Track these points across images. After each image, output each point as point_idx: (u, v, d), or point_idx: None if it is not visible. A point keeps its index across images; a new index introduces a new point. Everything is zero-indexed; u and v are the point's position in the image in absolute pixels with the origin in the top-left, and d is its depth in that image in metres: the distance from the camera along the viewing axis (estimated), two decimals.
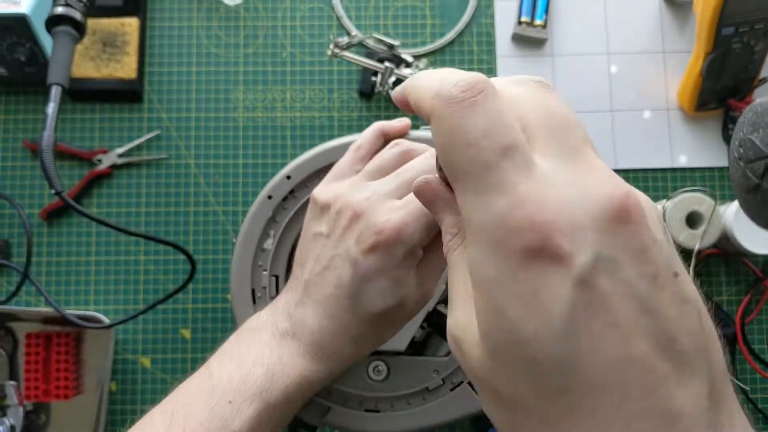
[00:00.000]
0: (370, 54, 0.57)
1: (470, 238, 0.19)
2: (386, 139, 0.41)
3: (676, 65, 0.59)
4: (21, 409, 0.49)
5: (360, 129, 0.44)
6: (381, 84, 0.56)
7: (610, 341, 0.16)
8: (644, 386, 0.16)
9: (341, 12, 0.60)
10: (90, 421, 0.54)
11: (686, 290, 0.18)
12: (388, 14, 0.60)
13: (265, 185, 0.44)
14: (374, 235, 0.33)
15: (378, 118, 0.58)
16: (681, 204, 0.52)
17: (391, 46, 0.57)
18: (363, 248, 0.33)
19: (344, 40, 0.56)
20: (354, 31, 0.59)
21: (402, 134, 0.41)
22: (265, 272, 0.43)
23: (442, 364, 0.42)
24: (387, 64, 0.56)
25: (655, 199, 0.57)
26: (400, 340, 0.42)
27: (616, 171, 0.20)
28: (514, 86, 0.21)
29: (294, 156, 0.45)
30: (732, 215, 0.52)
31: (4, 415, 0.49)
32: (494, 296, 0.18)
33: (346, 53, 0.56)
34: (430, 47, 0.59)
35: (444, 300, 0.43)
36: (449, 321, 0.22)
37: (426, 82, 0.21)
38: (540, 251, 0.17)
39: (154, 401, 0.34)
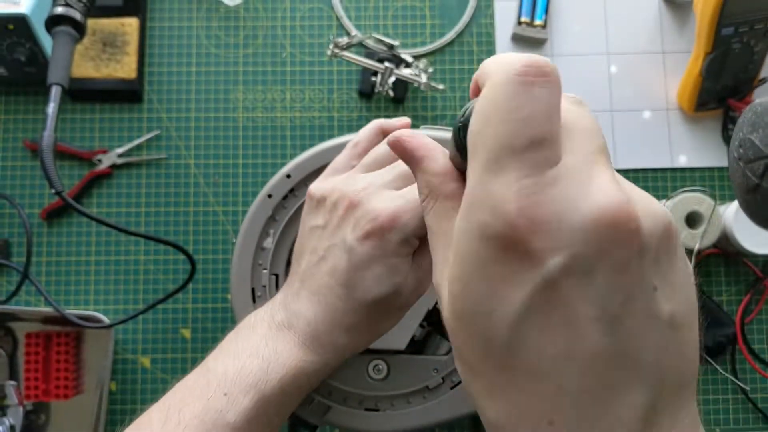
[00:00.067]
0: (369, 54, 0.57)
1: (463, 207, 0.20)
2: (385, 136, 0.41)
3: (675, 65, 0.59)
4: (21, 408, 0.49)
5: (360, 129, 0.45)
6: (381, 84, 0.56)
7: (559, 338, 0.18)
8: (581, 386, 0.18)
9: (341, 12, 0.60)
10: (90, 421, 0.54)
11: (661, 308, 0.18)
12: (387, 14, 0.60)
13: (264, 185, 0.44)
14: (370, 222, 0.33)
15: (377, 117, 0.58)
16: (681, 204, 0.52)
17: (390, 46, 0.57)
18: (358, 235, 0.33)
19: (344, 40, 0.56)
20: (354, 32, 0.59)
21: None
22: (265, 271, 0.43)
23: (442, 362, 0.42)
24: (387, 64, 0.56)
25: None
26: (400, 339, 0.42)
27: (616, 171, 0.20)
28: None
29: (294, 156, 0.45)
30: (732, 215, 0.52)
31: (4, 414, 0.49)
32: (467, 269, 0.19)
33: (346, 53, 0.56)
34: (429, 47, 0.59)
35: None
36: (434, 270, 0.23)
37: (503, 57, 0.21)
38: (515, 245, 0.18)
39: (154, 401, 0.34)
